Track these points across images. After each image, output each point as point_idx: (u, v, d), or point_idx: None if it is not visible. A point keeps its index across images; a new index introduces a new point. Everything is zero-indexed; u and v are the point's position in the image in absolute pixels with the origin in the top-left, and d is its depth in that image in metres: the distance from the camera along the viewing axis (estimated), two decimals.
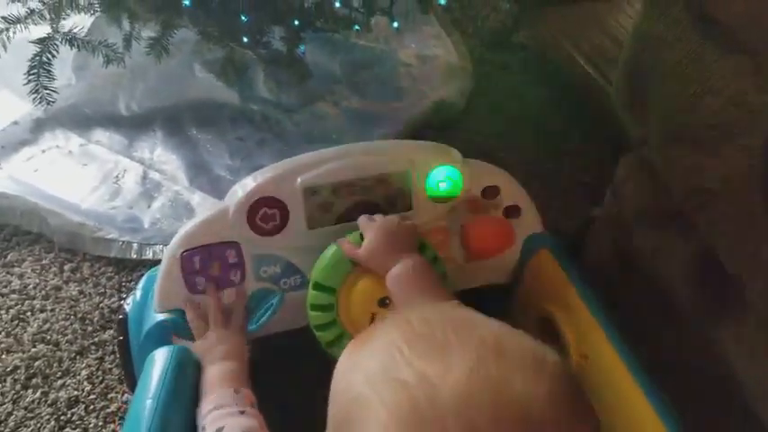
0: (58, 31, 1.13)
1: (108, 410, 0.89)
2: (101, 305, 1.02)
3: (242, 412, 0.59)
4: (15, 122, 1.32)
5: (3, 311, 1.01)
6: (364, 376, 0.38)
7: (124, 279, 1.06)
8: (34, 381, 0.93)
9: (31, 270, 1.07)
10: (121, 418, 0.88)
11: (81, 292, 1.04)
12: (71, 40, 1.13)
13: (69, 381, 0.92)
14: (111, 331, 0.98)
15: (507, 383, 0.34)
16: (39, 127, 1.32)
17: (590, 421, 0.36)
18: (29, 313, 1.01)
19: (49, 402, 0.90)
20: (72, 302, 1.02)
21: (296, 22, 1.21)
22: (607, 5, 1.37)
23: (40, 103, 1.11)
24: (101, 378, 0.92)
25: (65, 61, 1.36)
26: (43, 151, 1.28)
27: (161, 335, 0.70)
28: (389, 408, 0.34)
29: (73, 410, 0.89)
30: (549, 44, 1.39)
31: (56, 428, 0.88)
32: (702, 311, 0.68)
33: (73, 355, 0.95)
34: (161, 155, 1.29)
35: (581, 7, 1.39)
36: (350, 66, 1.48)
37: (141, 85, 1.37)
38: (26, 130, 1.31)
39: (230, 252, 0.72)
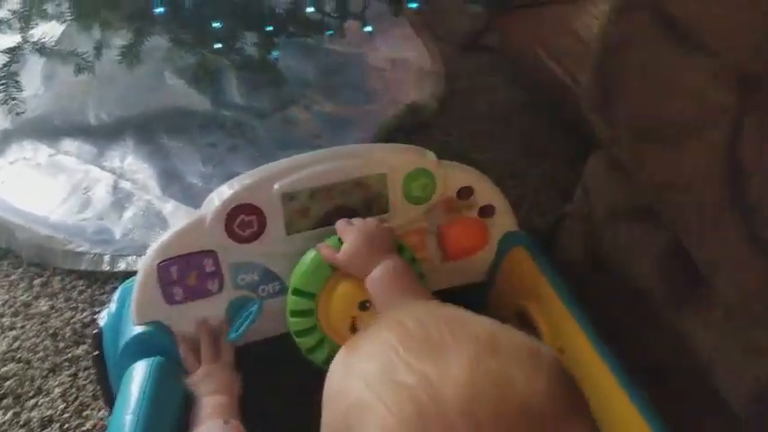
0: (28, 41, 1.11)
1: (83, 428, 0.87)
2: (72, 320, 1.00)
3: None
4: None
5: None
6: (362, 380, 0.37)
7: (96, 292, 1.05)
8: (5, 401, 0.90)
9: None
10: None
11: (52, 308, 1.02)
12: (41, 49, 1.11)
13: (42, 400, 0.90)
14: (85, 346, 0.96)
15: (507, 379, 0.34)
16: (6, 139, 1.30)
17: (586, 414, 0.36)
18: None
19: (21, 423, 0.87)
20: (43, 318, 1.00)
21: (269, 28, 1.21)
22: (572, 8, 1.40)
23: (9, 114, 1.09)
24: (75, 395, 0.90)
25: (32, 71, 1.34)
26: (11, 163, 1.25)
27: (139, 348, 0.69)
28: (393, 411, 0.34)
29: (47, 430, 0.87)
30: (518, 46, 1.42)
31: None
32: (673, 302, 0.70)
33: (45, 372, 0.93)
34: (132, 164, 1.27)
35: (547, 10, 1.41)
36: (322, 70, 1.49)
37: (111, 93, 1.35)
38: None
39: (207, 261, 0.71)
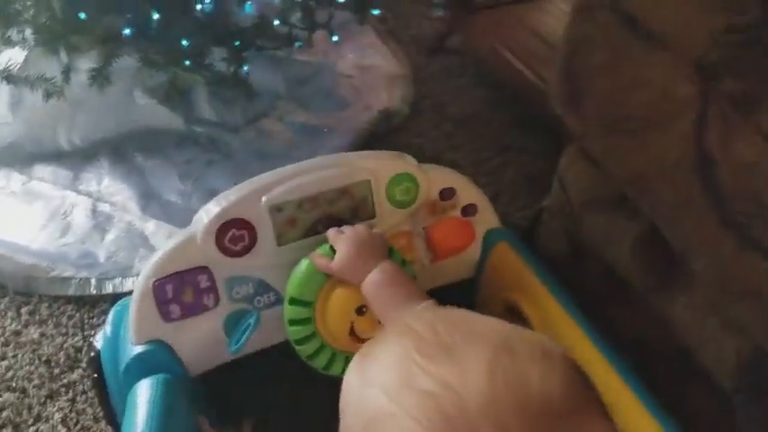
0: None
1: None
2: (65, 345, 1.00)
3: None
4: None
5: None
6: (382, 390, 0.37)
7: (86, 316, 1.05)
8: None
9: None
10: None
11: (42, 335, 1.01)
12: (8, 76, 1.11)
13: (42, 426, 0.90)
14: (80, 371, 0.96)
15: (524, 379, 0.35)
16: None
17: (602, 409, 0.37)
18: None
19: None
20: (34, 346, 1.00)
21: (237, 43, 1.22)
22: (531, 7, 1.45)
23: None
24: (75, 419, 0.91)
25: None
26: None
27: (141, 367, 0.70)
28: (419, 419, 0.34)
29: None
30: (482, 47, 1.45)
31: None
32: (654, 286, 0.74)
33: (42, 399, 0.93)
34: (109, 186, 1.27)
35: (507, 11, 1.45)
36: (291, 81, 1.50)
37: (81, 117, 1.34)
38: None
39: (202, 277, 0.72)
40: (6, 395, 0.94)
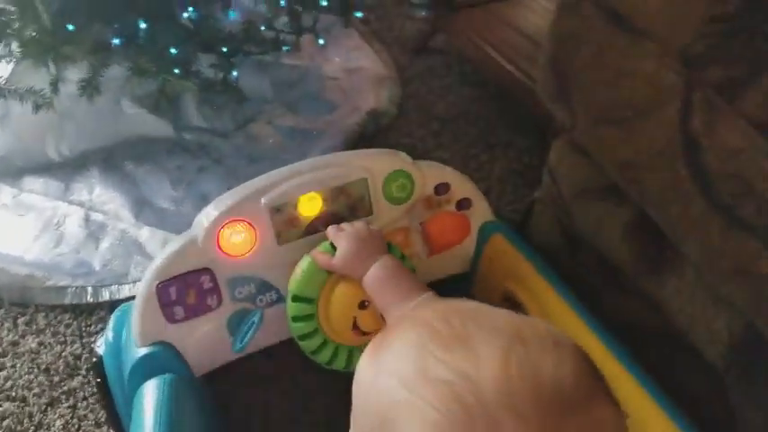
0: None
1: None
2: (63, 354, 1.00)
3: None
4: None
5: None
6: (398, 380, 0.37)
7: (83, 324, 1.05)
8: None
9: None
10: None
11: (40, 344, 1.01)
12: None
13: None
14: (81, 378, 0.96)
15: (538, 368, 0.36)
16: None
17: (612, 396, 0.38)
18: None
19: None
20: (33, 355, 1.00)
21: (225, 49, 1.23)
22: (512, 5, 1.48)
23: None
24: (77, 425, 0.91)
25: None
26: None
27: (147, 368, 0.70)
28: (438, 408, 0.35)
29: None
30: (466, 46, 1.47)
31: None
32: (645, 272, 0.76)
33: (43, 407, 0.93)
34: (101, 195, 1.27)
35: (489, 9, 1.48)
36: (278, 85, 1.51)
37: (69, 128, 1.34)
38: None
39: (204, 278, 0.73)
40: (6, 405, 0.93)
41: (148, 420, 0.64)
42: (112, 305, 1.03)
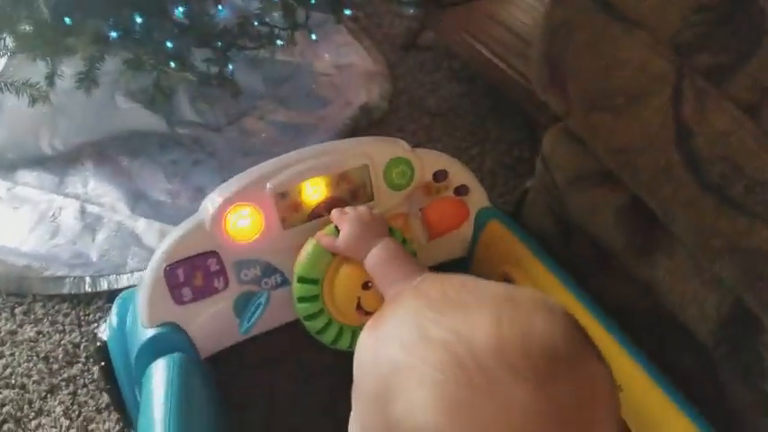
0: None
1: None
2: (62, 342, 1.01)
3: None
4: None
5: None
6: (398, 345, 0.39)
7: (82, 313, 1.06)
8: (6, 426, 0.90)
9: None
10: None
11: (39, 333, 1.02)
12: None
13: (44, 420, 0.91)
14: (80, 365, 0.97)
15: (530, 326, 0.37)
16: None
17: (602, 358, 0.39)
18: None
19: None
20: (31, 344, 1.00)
21: (219, 44, 1.24)
22: (497, 2, 1.51)
23: None
24: (78, 411, 0.92)
25: None
26: None
27: (156, 348, 0.72)
28: (436, 366, 0.36)
29: None
30: (454, 42, 1.50)
31: None
32: (637, 254, 0.79)
33: (43, 394, 0.94)
34: (96, 188, 1.28)
35: (476, 5, 1.51)
36: (270, 80, 1.53)
37: (62, 122, 1.35)
38: None
39: (211, 261, 0.75)
40: (6, 392, 0.94)
41: (158, 398, 0.65)
42: (111, 295, 1.04)
